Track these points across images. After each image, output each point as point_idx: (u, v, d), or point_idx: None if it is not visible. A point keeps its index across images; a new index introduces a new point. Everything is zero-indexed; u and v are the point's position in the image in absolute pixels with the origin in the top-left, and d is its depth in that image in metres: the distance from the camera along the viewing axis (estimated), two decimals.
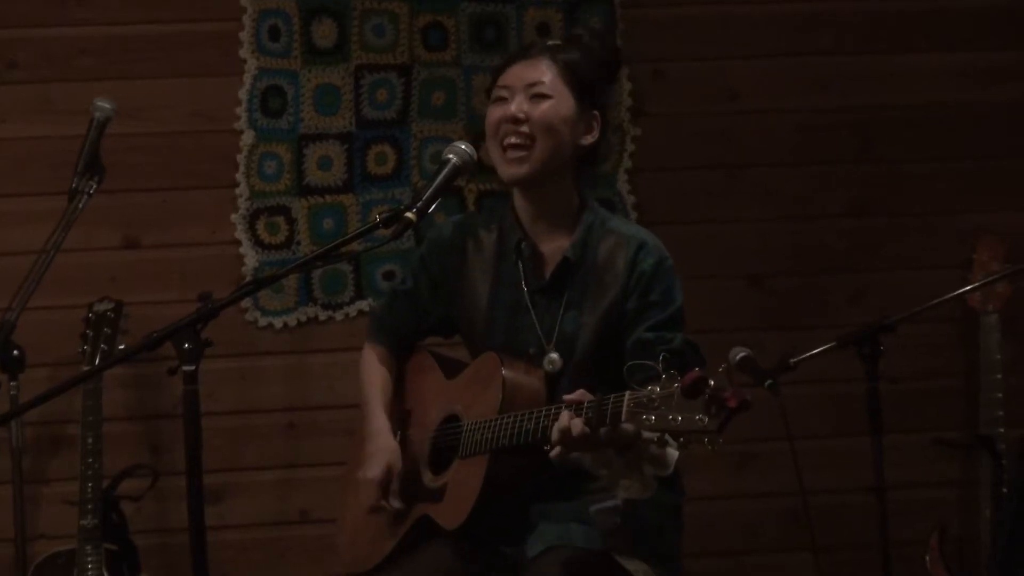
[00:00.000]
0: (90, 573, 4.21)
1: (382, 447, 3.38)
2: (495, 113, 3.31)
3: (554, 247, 3.34)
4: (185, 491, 3.26)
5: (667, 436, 2.88)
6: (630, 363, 3.11)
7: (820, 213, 4.83)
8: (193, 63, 4.65)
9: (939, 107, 4.85)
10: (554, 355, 3.28)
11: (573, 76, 3.30)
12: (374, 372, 3.53)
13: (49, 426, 4.56)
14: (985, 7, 4.87)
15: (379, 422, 3.43)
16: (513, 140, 3.27)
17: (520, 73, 3.30)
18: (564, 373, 3.27)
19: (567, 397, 3.03)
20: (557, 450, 3.00)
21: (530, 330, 3.32)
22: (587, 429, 2.94)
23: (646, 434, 2.97)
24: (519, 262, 3.35)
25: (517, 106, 3.27)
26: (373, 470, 3.35)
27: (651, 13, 4.76)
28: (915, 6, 4.85)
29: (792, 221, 4.81)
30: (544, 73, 3.28)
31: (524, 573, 3.18)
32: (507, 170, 3.29)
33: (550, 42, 3.39)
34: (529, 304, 3.33)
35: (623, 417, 2.88)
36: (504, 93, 3.30)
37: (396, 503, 3.34)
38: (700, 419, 2.75)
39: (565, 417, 2.98)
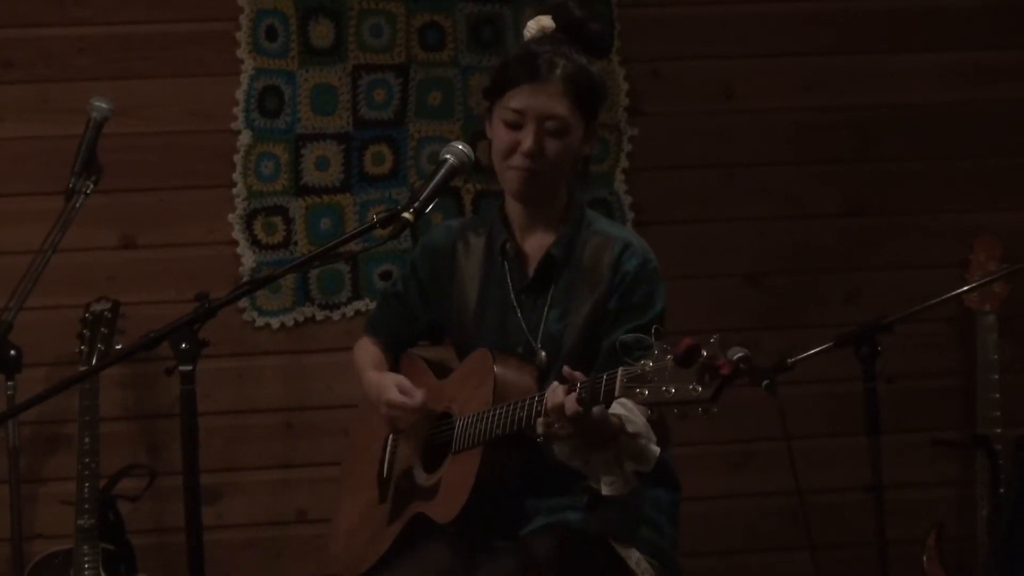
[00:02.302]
0: (87, 573, 4.21)
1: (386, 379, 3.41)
2: (507, 138, 3.27)
3: (539, 246, 3.35)
4: (182, 491, 3.26)
5: (650, 430, 2.90)
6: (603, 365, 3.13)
7: (818, 212, 4.83)
8: (190, 63, 4.65)
9: (937, 107, 4.85)
10: (542, 354, 3.28)
11: (581, 97, 3.27)
12: (367, 354, 3.55)
13: (46, 426, 4.55)
14: (985, 7, 4.86)
15: (384, 379, 3.44)
16: (525, 172, 3.26)
17: (534, 102, 3.24)
18: (550, 372, 3.26)
19: (566, 371, 3.01)
20: (543, 423, 2.99)
21: (517, 330, 3.32)
22: (580, 408, 2.94)
23: (629, 428, 2.98)
24: (505, 263, 3.36)
25: (533, 142, 3.23)
26: (388, 392, 3.36)
27: (648, 12, 4.76)
28: (914, 6, 4.85)
29: (790, 220, 4.81)
30: (559, 104, 3.24)
31: (519, 550, 3.18)
32: (515, 188, 3.30)
33: (559, 56, 3.27)
34: (515, 304, 3.34)
35: (617, 393, 2.88)
36: (516, 118, 3.26)
37: (419, 392, 3.33)
38: (694, 388, 2.75)
39: (560, 392, 2.97)
